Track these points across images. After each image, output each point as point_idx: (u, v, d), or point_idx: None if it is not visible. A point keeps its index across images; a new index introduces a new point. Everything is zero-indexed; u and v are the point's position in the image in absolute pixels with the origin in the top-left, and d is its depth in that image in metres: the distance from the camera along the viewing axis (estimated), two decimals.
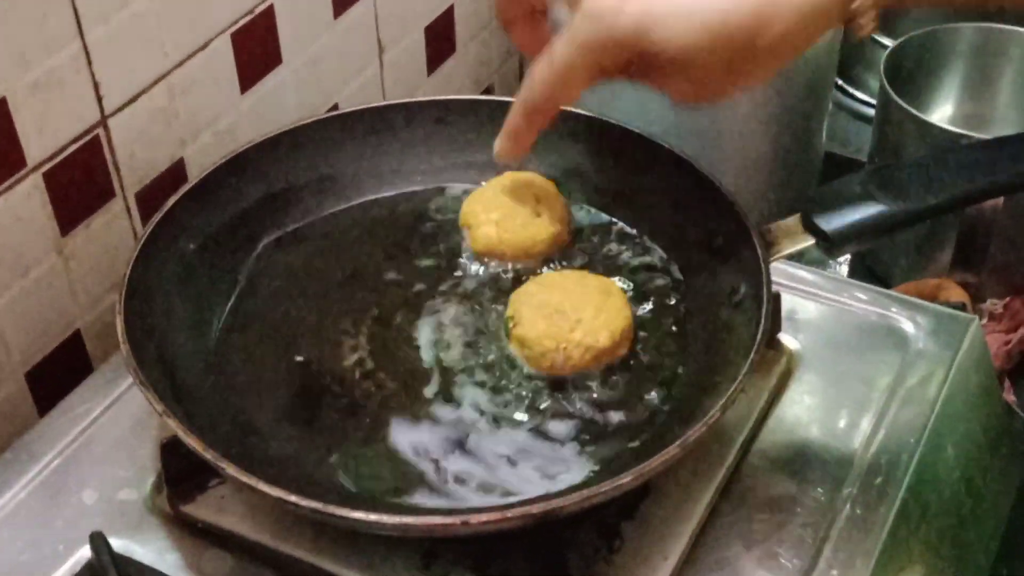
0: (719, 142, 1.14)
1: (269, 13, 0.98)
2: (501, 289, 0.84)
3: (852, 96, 1.41)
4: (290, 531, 0.72)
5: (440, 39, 1.22)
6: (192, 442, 0.67)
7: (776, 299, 0.80)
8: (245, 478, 0.65)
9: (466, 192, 0.90)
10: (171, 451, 0.73)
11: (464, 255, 0.87)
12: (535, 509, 0.64)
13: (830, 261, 1.18)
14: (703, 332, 0.80)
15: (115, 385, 0.83)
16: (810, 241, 0.77)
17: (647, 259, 0.86)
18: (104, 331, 0.92)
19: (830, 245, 0.77)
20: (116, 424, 0.81)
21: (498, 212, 0.85)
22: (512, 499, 0.70)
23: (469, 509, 0.69)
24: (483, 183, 0.90)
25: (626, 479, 0.65)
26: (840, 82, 1.38)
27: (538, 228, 0.85)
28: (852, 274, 1.20)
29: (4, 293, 0.83)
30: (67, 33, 0.81)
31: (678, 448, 0.66)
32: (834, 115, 1.25)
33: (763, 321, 0.72)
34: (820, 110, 1.20)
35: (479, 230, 0.85)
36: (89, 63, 0.83)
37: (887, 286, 1.07)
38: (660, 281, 0.84)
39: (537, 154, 0.91)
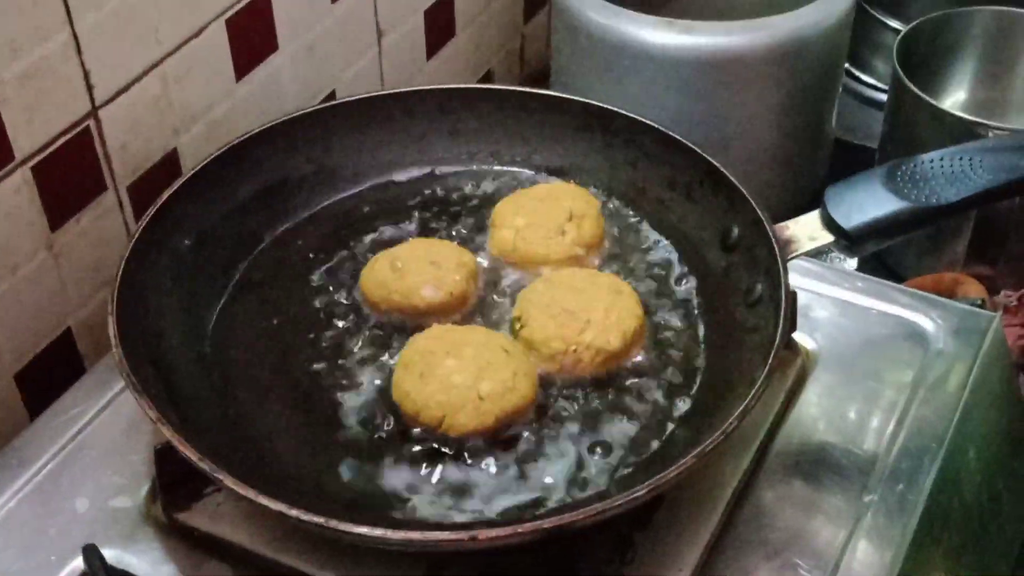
0: (727, 129, 1.11)
1: None
2: (510, 288, 0.81)
3: (860, 80, 1.37)
4: (290, 541, 0.70)
5: (439, 23, 1.18)
6: (188, 452, 0.65)
7: (792, 299, 0.77)
8: (243, 490, 0.63)
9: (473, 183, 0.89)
10: (165, 457, 0.70)
11: (480, 253, 0.84)
12: (546, 524, 0.62)
13: (837, 252, 1.15)
14: (718, 333, 0.77)
15: (108, 386, 0.80)
16: (829, 239, 0.75)
17: (659, 256, 0.83)
18: (96, 329, 0.89)
19: (850, 243, 0.75)
20: (110, 427, 0.78)
21: (524, 219, 0.82)
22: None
23: (478, 524, 0.66)
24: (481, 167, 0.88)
25: (640, 492, 0.62)
26: (848, 66, 1.34)
27: (556, 246, 0.81)
28: (862, 266, 1.17)
29: None
30: (56, 21, 0.78)
31: (694, 459, 0.64)
32: (842, 100, 1.21)
33: (781, 323, 0.70)
34: (830, 95, 1.17)
35: (500, 232, 0.83)
36: (79, 52, 0.81)
37: (899, 278, 1.05)
38: (672, 279, 0.81)
39: (545, 145, 0.89)
